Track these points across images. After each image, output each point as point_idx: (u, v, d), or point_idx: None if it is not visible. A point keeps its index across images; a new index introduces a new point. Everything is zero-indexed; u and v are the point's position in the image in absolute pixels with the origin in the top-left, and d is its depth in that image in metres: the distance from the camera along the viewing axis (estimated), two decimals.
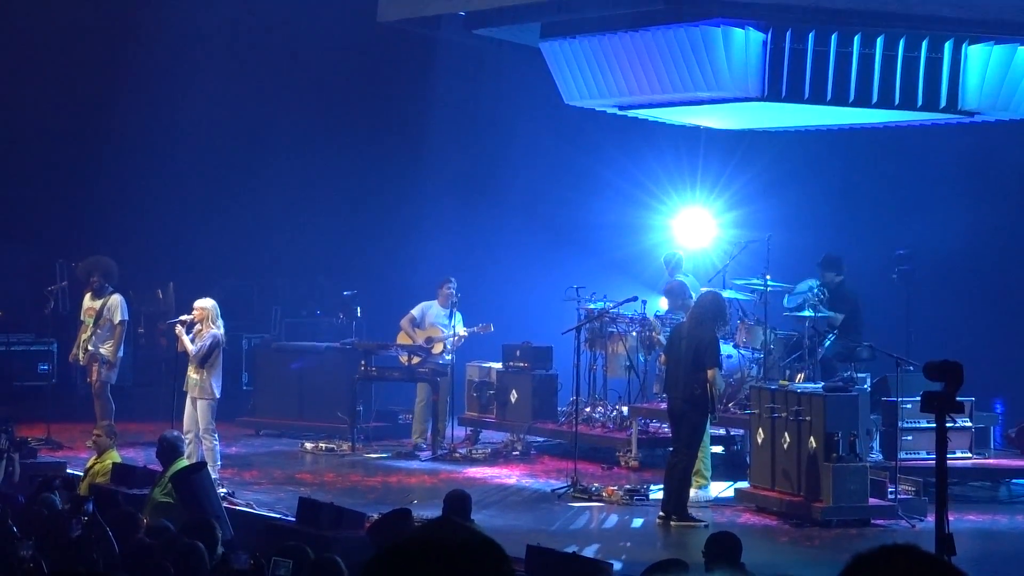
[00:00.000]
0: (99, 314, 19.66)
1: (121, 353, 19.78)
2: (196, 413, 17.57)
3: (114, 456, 15.69)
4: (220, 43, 24.49)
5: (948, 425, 8.34)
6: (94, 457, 15.91)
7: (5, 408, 17.77)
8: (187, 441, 16.54)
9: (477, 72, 24.63)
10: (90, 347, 19.57)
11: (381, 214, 25.10)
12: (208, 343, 17.57)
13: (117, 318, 19.67)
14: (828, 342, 18.58)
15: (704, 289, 18.02)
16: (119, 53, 24.55)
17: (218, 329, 17.75)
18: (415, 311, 21.13)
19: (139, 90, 24.35)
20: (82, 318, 19.90)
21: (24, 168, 24.03)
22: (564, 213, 24.57)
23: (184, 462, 14.73)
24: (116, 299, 19.78)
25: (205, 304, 17.87)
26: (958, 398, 8.33)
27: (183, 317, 18.12)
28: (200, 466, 14.50)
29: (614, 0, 18.75)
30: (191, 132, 23.93)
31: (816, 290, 18.95)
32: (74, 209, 24.56)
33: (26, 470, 16.38)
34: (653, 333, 19.59)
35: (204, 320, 17.69)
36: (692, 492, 16.43)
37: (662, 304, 19.95)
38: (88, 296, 19.90)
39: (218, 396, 17.71)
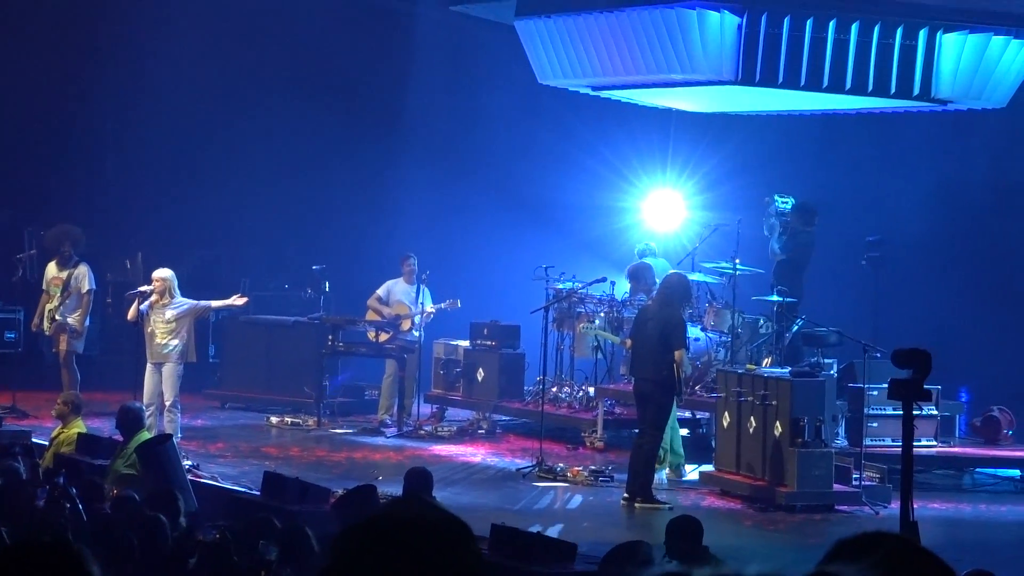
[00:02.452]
0: (66, 284, 19.56)
1: (88, 323, 19.72)
2: (161, 383, 17.52)
3: (79, 426, 15.60)
4: (193, 13, 24.32)
5: (915, 413, 8.37)
6: (59, 427, 15.84)
7: None
8: (147, 413, 16.46)
9: (453, 49, 24.54)
10: (57, 317, 19.47)
11: (352, 188, 25.01)
12: (192, 305, 17.69)
13: (85, 287, 19.59)
14: (796, 327, 18.57)
15: (671, 271, 18.01)
16: (90, 21, 24.37)
17: (179, 298, 17.75)
18: (380, 290, 21.07)
19: (110, 59, 24.17)
20: (45, 287, 19.82)
21: None
22: (535, 192, 24.53)
23: (147, 434, 14.68)
24: (83, 269, 19.70)
25: (164, 274, 17.84)
26: (925, 386, 8.37)
27: (143, 288, 18.06)
28: (165, 438, 14.46)
29: None
30: (163, 101, 23.77)
31: (778, 215, 18.85)
32: (43, 177, 24.39)
33: None
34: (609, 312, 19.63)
35: (164, 291, 17.66)
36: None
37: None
38: (53, 265, 19.80)
39: (192, 360, 17.79)
